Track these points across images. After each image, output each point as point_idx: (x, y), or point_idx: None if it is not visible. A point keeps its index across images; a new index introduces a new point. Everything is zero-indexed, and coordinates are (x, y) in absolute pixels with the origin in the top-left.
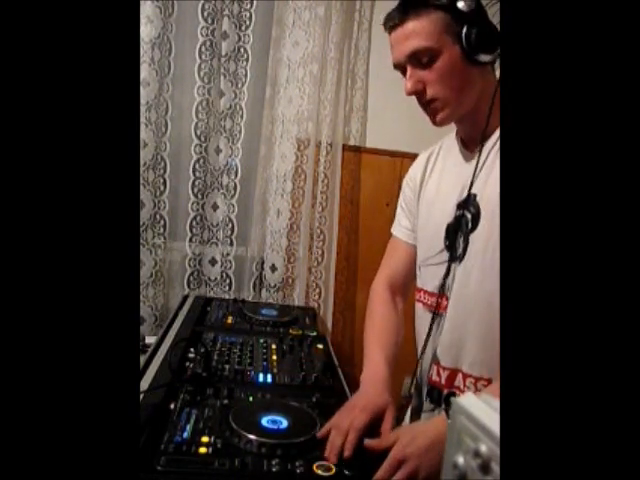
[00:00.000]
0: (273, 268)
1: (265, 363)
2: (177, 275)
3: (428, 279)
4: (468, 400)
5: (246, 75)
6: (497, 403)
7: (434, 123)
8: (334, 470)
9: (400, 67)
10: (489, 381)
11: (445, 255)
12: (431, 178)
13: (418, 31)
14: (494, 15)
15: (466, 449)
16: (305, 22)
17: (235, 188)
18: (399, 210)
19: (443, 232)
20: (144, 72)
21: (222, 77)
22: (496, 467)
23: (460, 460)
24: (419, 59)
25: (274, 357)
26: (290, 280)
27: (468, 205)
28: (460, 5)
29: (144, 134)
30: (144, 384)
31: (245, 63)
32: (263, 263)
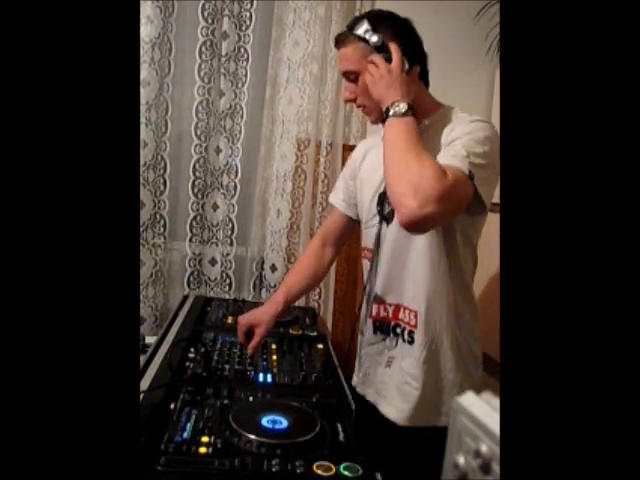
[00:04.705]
0: (273, 268)
1: (265, 363)
2: (177, 275)
3: (368, 239)
4: (469, 400)
5: (246, 75)
6: (497, 402)
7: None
8: (334, 470)
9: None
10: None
11: (377, 219)
12: (365, 159)
13: (347, 56)
14: (494, 15)
15: (467, 449)
16: (305, 22)
17: (235, 188)
18: (340, 183)
19: (376, 200)
20: (144, 72)
21: (222, 77)
22: (497, 467)
23: (461, 460)
24: (348, 76)
25: (274, 357)
26: None
27: None
28: (373, 39)
29: (144, 134)
30: (144, 384)
31: (245, 63)
32: (263, 263)
